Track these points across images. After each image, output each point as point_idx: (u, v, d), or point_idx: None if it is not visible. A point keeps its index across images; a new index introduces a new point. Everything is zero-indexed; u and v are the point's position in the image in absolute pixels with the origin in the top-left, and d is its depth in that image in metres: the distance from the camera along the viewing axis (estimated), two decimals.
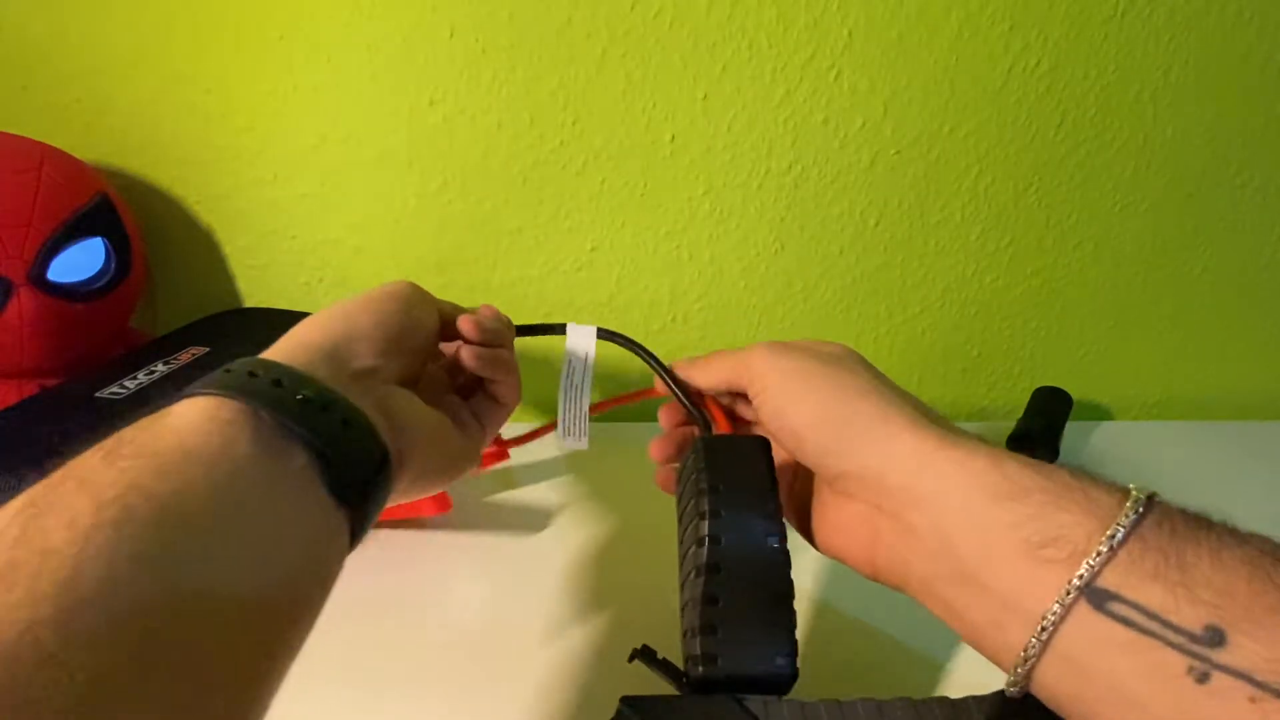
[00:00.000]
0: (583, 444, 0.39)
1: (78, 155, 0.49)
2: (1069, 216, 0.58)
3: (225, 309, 0.56)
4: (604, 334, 0.38)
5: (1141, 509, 0.21)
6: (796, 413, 0.29)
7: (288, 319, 0.52)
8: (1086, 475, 0.23)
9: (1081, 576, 0.21)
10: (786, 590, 0.29)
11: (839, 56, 0.52)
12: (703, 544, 0.29)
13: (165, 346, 0.45)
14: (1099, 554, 0.21)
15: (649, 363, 0.37)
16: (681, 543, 0.32)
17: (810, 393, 0.29)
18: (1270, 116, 0.55)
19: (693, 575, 0.29)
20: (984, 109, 0.54)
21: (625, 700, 0.27)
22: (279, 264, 0.58)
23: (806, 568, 0.41)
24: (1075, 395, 0.59)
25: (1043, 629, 0.21)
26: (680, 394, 0.35)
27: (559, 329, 0.38)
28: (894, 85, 0.53)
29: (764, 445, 0.32)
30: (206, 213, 0.56)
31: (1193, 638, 0.19)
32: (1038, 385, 0.60)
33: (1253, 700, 0.18)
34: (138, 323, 0.58)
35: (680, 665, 0.30)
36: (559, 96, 0.52)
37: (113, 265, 0.48)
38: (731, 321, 0.61)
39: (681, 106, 0.53)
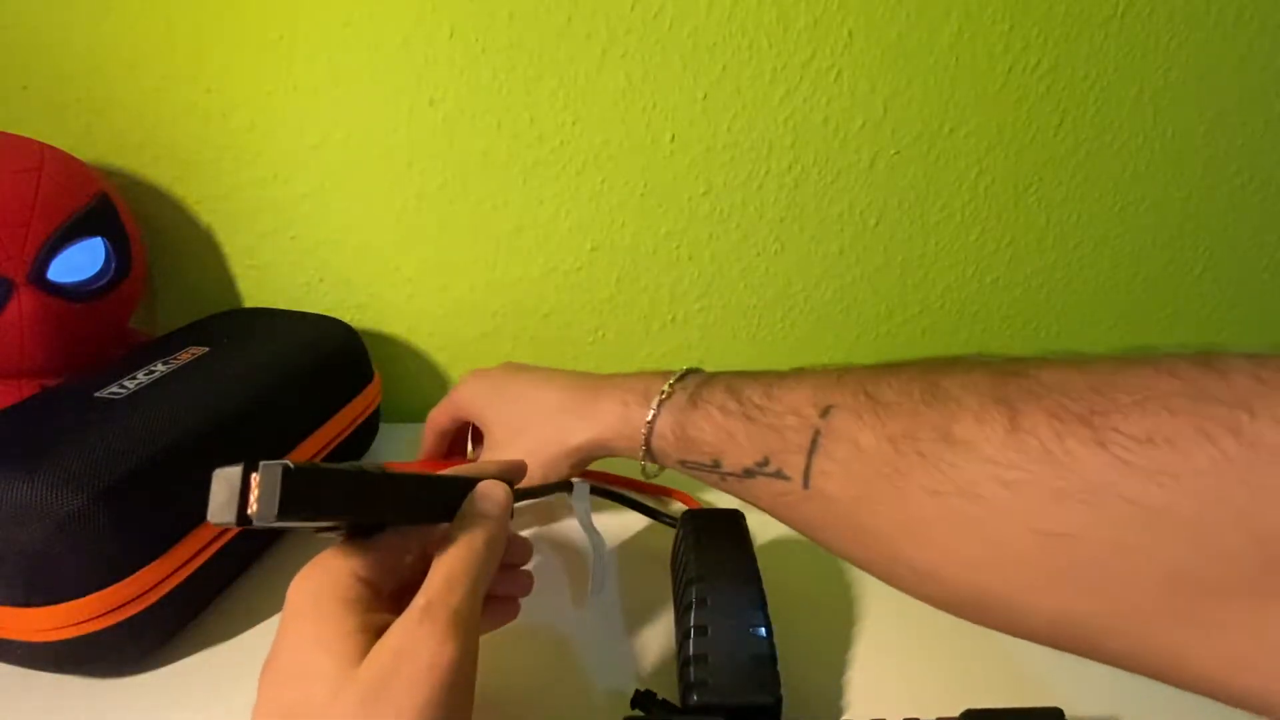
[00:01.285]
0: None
1: (78, 155, 0.49)
2: (1069, 217, 0.58)
3: (225, 309, 0.56)
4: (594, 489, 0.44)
5: (653, 416, 0.36)
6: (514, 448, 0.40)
7: (287, 319, 0.52)
8: (637, 397, 0.37)
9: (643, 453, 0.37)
10: (769, 636, 0.35)
11: (839, 56, 0.52)
12: (688, 635, 0.35)
13: (165, 346, 0.45)
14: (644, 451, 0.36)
15: (619, 500, 0.47)
16: (676, 608, 0.39)
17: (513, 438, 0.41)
18: (1270, 117, 0.55)
19: (685, 634, 0.36)
20: (984, 109, 0.54)
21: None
22: (279, 264, 0.58)
23: (791, 605, 0.42)
24: None
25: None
26: (650, 511, 0.46)
27: (565, 487, 0.39)
28: (894, 85, 0.53)
29: (740, 520, 0.41)
30: (206, 212, 0.56)
31: (708, 468, 0.33)
32: None
33: (741, 479, 0.31)
34: (137, 323, 0.58)
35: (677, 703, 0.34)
36: (559, 96, 0.52)
37: (112, 265, 0.47)
38: (731, 321, 0.61)
39: (681, 106, 0.53)
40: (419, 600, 0.24)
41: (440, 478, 0.29)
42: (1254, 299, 0.63)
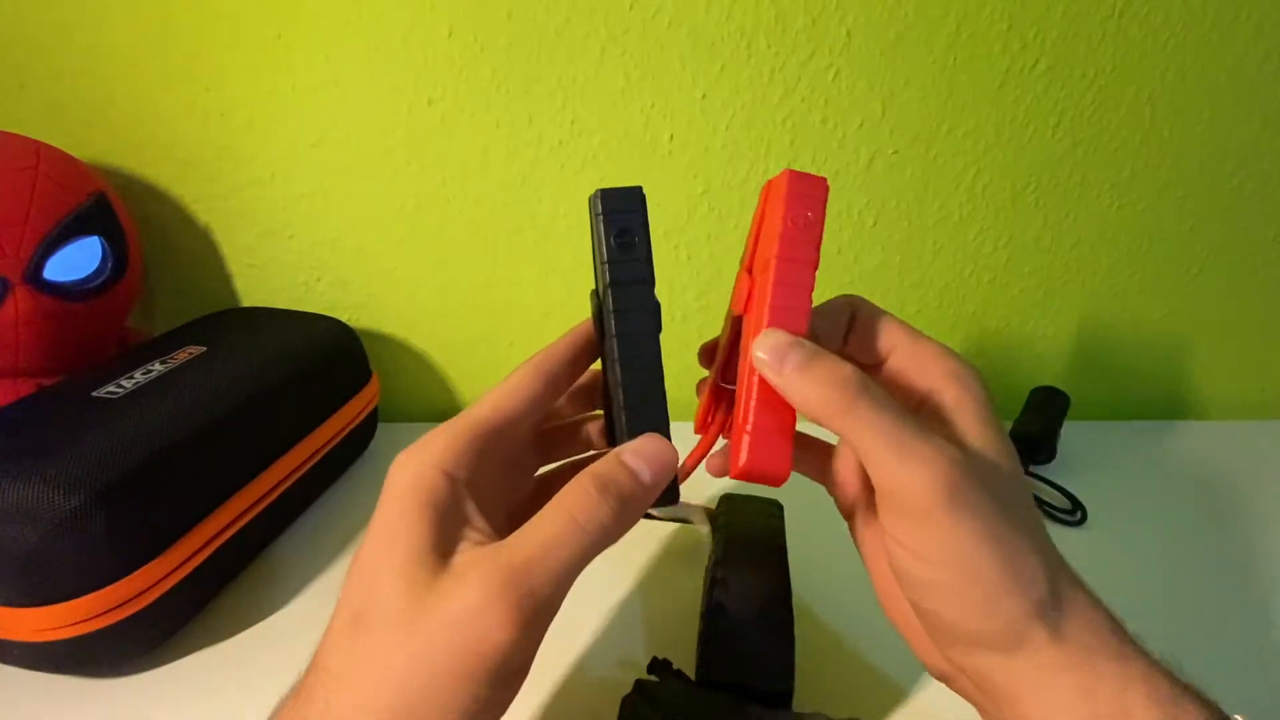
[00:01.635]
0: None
1: (75, 154, 0.49)
2: (1066, 216, 0.58)
3: (223, 308, 0.56)
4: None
5: None
6: (941, 599, 0.23)
7: (285, 318, 0.52)
8: (1201, 704, 0.21)
9: None
10: (788, 621, 0.34)
11: (837, 56, 0.52)
12: (709, 613, 0.35)
13: (162, 346, 0.45)
14: None
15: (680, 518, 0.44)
16: (704, 587, 0.39)
17: (967, 587, 0.22)
18: (1267, 117, 0.56)
19: (706, 611, 0.36)
20: (982, 109, 0.54)
21: (639, 684, 0.32)
22: (277, 263, 0.58)
23: (814, 593, 0.42)
24: (1073, 394, 0.59)
25: None
26: (691, 520, 0.44)
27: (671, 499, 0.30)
28: (892, 85, 0.53)
29: (776, 510, 0.41)
30: (204, 212, 0.56)
31: None
32: (1036, 385, 0.60)
33: None
34: (135, 322, 0.58)
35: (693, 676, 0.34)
36: (557, 96, 0.52)
37: (109, 264, 0.47)
38: None
39: (680, 106, 0.53)
40: (503, 559, 0.20)
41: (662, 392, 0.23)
42: (1252, 299, 0.63)
